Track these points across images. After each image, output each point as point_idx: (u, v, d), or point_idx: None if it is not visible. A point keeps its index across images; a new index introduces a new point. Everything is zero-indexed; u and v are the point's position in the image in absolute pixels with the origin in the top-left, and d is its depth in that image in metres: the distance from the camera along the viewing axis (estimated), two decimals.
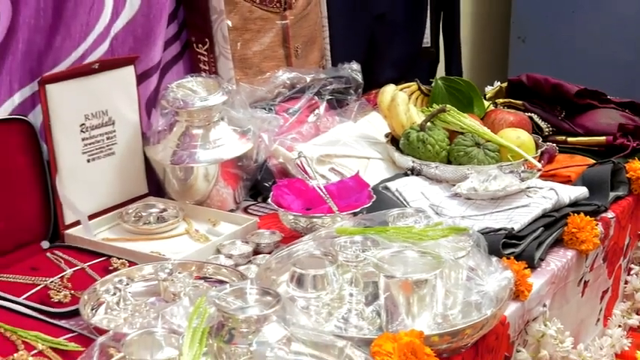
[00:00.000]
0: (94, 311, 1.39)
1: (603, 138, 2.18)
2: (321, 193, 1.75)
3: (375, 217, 1.53)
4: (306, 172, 1.87)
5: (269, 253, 1.62)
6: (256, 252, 1.65)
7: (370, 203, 1.71)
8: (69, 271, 1.57)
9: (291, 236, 1.66)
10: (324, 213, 1.68)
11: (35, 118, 1.69)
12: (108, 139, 1.79)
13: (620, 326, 2.01)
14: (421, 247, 1.37)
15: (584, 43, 3.33)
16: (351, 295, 1.36)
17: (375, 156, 2.11)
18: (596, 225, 1.75)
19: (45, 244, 1.68)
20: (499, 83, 2.58)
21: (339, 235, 1.45)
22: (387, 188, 1.87)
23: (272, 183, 1.89)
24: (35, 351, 1.26)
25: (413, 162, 1.96)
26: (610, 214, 1.91)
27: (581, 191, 1.85)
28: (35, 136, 1.65)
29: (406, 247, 1.37)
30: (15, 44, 1.64)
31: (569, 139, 2.23)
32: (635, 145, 2.15)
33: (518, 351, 1.54)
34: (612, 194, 1.95)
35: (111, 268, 1.57)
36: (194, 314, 1.09)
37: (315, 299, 1.33)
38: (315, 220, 1.65)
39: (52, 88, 1.65)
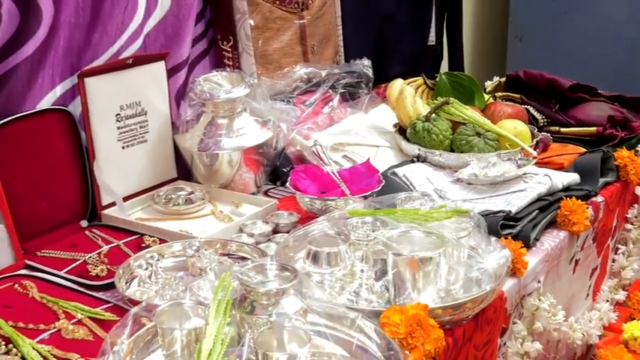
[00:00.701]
0: (128, 284, 1.39)
1: (594, 128, 2.16)
2: (335, 178, 1.75)
3: (384, 200, 1.52)
4: (321, 159, 1.87)
5: (287, 232, 1.61)
6: (275, 231, 1.65)
7: (379, 187, 1.70)
8: (105, 248, 1.57)
9: (307, 217, 1.66)
10: (338, 196, 1.67)
11: (75, 108, 1.69)
12: (141, 127, 1.79)
13: (607, 301, 2.00)
14: (426, 227, 1.36)
15: (577, 43, 3.32)
16: (362, 271, 1.36)
17: (384, 144, 2.10)
18: (587, 208, 1.74)
19: (84, 224, 1.68)
20: (498, 78, 2.56)
21: (351, 216, 1.45)
22: (395, 174, 1.86)
23: (290, 168, 1.89)
24: (75, 320, 1.27)
25: (419, 150, 1.95)
26: (599, 199, 1.89)
27: (573, 177, 1.84)
28: (75, 125, 1.65)
29: (412, 228, 1.36)
30: (57, 41, 1.64)
31: (562, 129, 2.21)
32: (623, 135, 2.13)
33: (514, 323, 1.53)
34: (602, 180, 1.94)
35: (143, 245, 1.57)
36: (219, 287, 1.09)
37: (329, 275, 1.33)
38: (329, 202, 1.65)
39: (90, 81, 1.65)
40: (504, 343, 1.52)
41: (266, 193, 1.92)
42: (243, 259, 1.47)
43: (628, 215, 2.15)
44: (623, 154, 2.01)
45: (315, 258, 1.34)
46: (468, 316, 1.32)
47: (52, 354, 1.14)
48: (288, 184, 1.75)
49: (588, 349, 1.91)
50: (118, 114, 1.73)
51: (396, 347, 1.11)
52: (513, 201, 1.68)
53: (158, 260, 1.46)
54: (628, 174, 2.00)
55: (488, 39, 3.89)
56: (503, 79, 2.52)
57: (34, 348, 1.14)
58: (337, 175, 1.76)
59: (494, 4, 3.88)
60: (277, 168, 1.97)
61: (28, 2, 1.54)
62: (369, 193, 1.68)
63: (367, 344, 1.15)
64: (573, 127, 2.21)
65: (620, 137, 2.12)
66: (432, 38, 3.09)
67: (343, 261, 1.35)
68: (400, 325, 1.14)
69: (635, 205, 2.16)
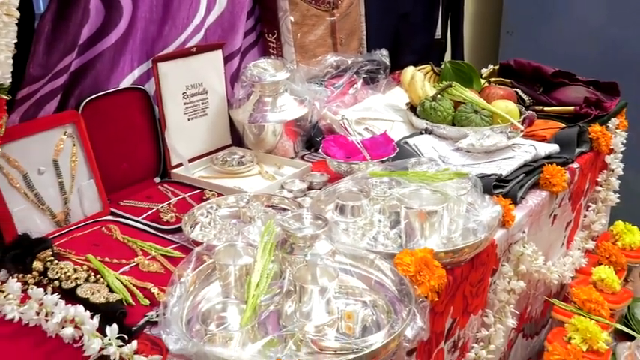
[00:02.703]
0: (192, 229, 1.39)
1: (572, 108, 2.11)
2: (358, 146, 1.73)
3: (398, 164, 1.51)
4: (347, 131, 1.85)
5: (319, 189, 1.60)
6: (310, 188, 1.64)
7: (394, 154, 1.68)
8: (174, 200, 1.57)
9: (336, 177, 1.64)
10: (360, 160, 1.65)
11: (149, 87, 1.68)
12: (202, 103, 1.78)
13: (579, 249, 1.98)
14: (432, 186, 1.35)
15: (560, 38, 3.24)
16: (379, 221, 1.35)
17: (398, 119, 2.07)
18: (565, 173, 1.71)
19: (157, 180, 1.69)
20: (492, 66, 2.50)
21: (371, 177, 1.44)
22: (406, 143, 1.83)
23: (322, 138, 1.87)
24: (150, 256, 1.27)
25: (426, 124, 1.92)
26: (575, 165, 1.85)
27: (554, 147, 1.80)
28: (150, 101, 1.65)
29: (421, 187, 1.35)
30: (135, 32, 1.63)
31: (545, 108, 2.16)
32: (596, 113, 2.08)
33: (502, 265, 1.51)
34: (577, 150, 1.90)
35: (204, 198, 1.57)
36: (265, 232, 1.08)
37: (353, 223, 1.33)
38: (353, 165, 1.63)
39: (162, 66, 1.64)
40: (494, 282, 1.51)
41: (302, 158, 1.91)
42: (284, 210, 1.46)
43: (598, 179, 2.11)
44: (596, 129, 1.97)
45: (341, 210, 1.34)
46: (465, 259, 1.30)
47: (131, 283, 1.14)
48: (320, 150, 1.73)
49: (562, 288, 1.89)
50: (184, 92, 1.72)
51: (407, 282, 1.10)
52: (504, 166, 1.65)
53: (216, 210, 1.46)
54: (599, 145, 1.96)
55: (484, 33, 3.81)
56: (496, 67, 2.46)
57: (117, 278, 1.14)
58: (360, 143, 1.75)
59: (489, 5, 3.80)
60: (311, 137, 1.95)
61: (111, 0, 1.53)
62: (386, 158, 1.66)
63: (383, 280, 1.15)
64: (555, 106, 2.16)
65: (593, 115, 2.07)
66: (438, 33, 3.04)
67: (364, 213, 1.34)
68: (410, 265, 1.13)
69: (604, 171, 2.12)
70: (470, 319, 1.43)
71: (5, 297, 1.01)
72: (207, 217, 1.43)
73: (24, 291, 1.04)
